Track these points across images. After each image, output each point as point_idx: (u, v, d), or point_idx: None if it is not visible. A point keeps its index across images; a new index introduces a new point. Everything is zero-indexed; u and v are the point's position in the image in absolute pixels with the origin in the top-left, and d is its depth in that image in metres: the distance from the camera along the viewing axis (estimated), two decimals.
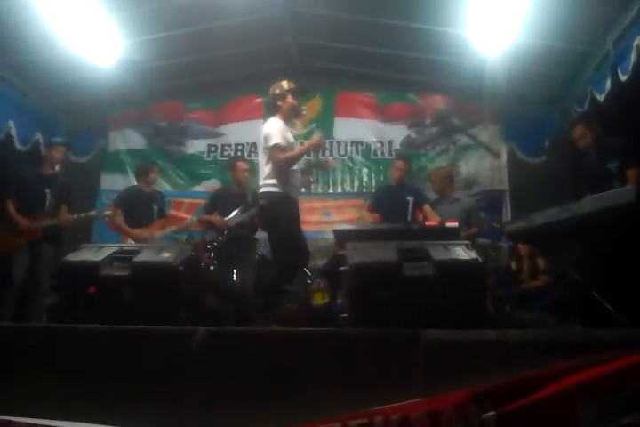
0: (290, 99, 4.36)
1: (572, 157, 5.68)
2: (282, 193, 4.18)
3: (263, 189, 4.28)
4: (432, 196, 6.12)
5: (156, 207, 5.78)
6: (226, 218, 5.48)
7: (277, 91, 4.44)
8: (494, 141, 7.28)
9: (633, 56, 4.67)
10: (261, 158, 4.34)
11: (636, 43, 4.61)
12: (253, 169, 6.30)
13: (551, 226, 3.70)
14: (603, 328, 3.08)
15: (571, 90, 6.46)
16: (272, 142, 4.13)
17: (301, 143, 5.76)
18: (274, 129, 4.22)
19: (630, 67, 4.74)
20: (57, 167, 5.63)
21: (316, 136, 4.36)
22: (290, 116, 4.41)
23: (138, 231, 5.55)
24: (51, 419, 2.26)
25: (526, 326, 4.22)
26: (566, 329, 3.66)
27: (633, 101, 4.99)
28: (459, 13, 5.34)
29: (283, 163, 4.18)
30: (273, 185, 4.20)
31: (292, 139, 4.35)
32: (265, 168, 4.26)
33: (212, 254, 5.31)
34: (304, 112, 7.24)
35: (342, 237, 4.26)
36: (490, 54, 5.83)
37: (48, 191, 5.35)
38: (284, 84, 4.43)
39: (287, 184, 4.22)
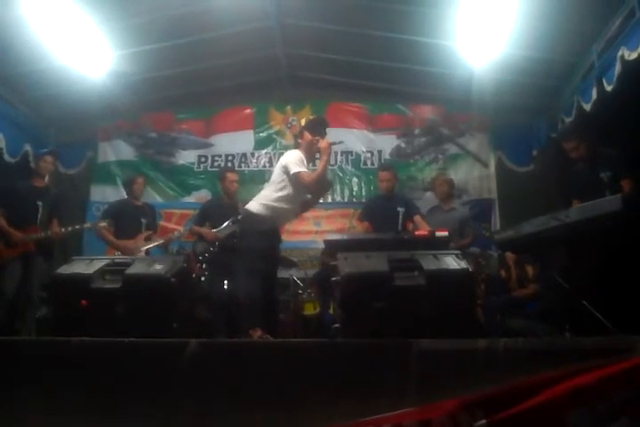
0: (307, 135, 4.40)
1: (560, 167, 5.74)
2: (262, 215, 4.24)
3: (249, 205, 4.35)
4: (430, 202, 6.23)
5: (144, 220, 5.78)
6: (216, 229, 5.48)
7: (296, 130, 4.61)
8: (483, 151, 7.34)
9: (617, 67, 4.74)
10: (273, 180, 4.41)
11: (619, 54, 4.68)
12: (243, 180, 6.34)
13: (539, 234, 3.73)
14: (592, 336, 3.11)
15: (557, 99, 6.53)
16: (292, 171, 4.20)
17: None
18: (292, 159, 4.30)
19: (615, 77, 4.82)
20: (47, 179, 5.61)
21: (323, 143, 4.38)
22: (310, 150, 4.40)
23: (123, 243, 5.56)
24: None
25: (516, 335, 4.24)
26: (556, 337, 3.68)
27: (619, 111, 5.06)
28: (447, 25, 5.40)
29: (313, 184, 4.27)
30: (261, 204, 4.28)
31: (307, 168, 4.37)
32: (270, 188, 4.36)
33: (204, 266, 5.30)
34: (294, 122, 7.38)
35: (333, 247, 4.28)
36: (478, 65, 5.90)
37: (40, 203, 5.34)
38: (302, 121, 4.56)
39: (280, 209, 4.29)
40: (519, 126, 7.12)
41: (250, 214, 4.29)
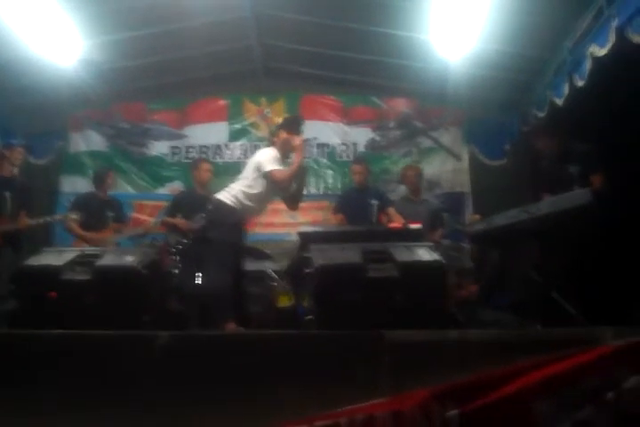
0: (282, 134, 4.46)
1: (531, 161, 5.81)
2: (232, 206, 4.27)
3: (220, 195, 4.38)
4: (400, 193, 6.29)
5: (111, 214, 5.76)
6: (189, 221, 5.44)
7: (273, 128, 4.73)
8: (456, 144, 7.40)
9: (588, 63, 4.81)
10: (245, 175, 4.43)
11: (590, 50, 4.74)
12: (217, 171, 6.29)
13: (510, 227, 3.78)
14: (562, 327, 3.16)
15: (530, 94, 6.60)
16: (266, 169, 4.25)
17: None
18: (265, 157, 4.35)
19: (586, 73, 4.88)
20: (15, 170, 5.49)
21: (297, 141, 4.40)
22: (285, 149, 4.45)
23: (91, 235, 5.54)
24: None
25: (487, 326, 4.29)
26: (527, 328, 3.74)
27: (590, 106, 5.13)
28: (422, 19, 5.41)
29: (285, 182, 4.34)
30: (233, 196, 4.31)
31: (281, 166, 4.39)
32: (242, 183, 4.38)
33: (177, 257, 5.26)
34: (269, 115, 7.36)
35: (307, 239, 4.29)
36: (452, 59, 5.92)
37: (7, 194, 5.23)
38: (278, 120, 4.60)
39: (249, 205, 4.33)
40: (492, 121, 7.19)
41: (219, 204, 4.31)
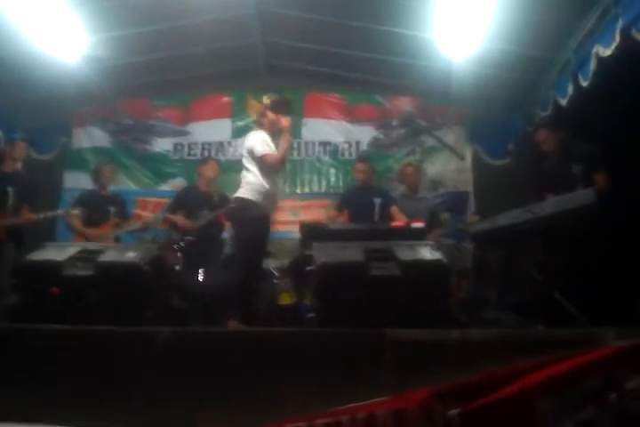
0: (270, 114, 4.45)
1: (534, 160, 5.81)
2: (253, 201, 4.27)
3: (239, 193, 4.37)
4: (399, 191, 6.29)
5: (113, 209, 5.78)
6: (192, 218, 5.46)
7: (260, 108, 4.66)
8: (459, 144, 7.38)
9: (592, 63, 4.79)
10: (246, 166, 4.43)
11: (595, 50, 4.72)
12: (220, 168, 6.30)
13: (514, 227, 3.78)
14: (564, 328, 3.16)
15: (534, 94, 6.59)
16: (259, 153, 4.28)
17: None
18: (256, 141, 4.36)
19: (590, 73, 4.87)
20: (19, 164, 5.50)
21: (285, 122, 4.40)
22: (273, 131, 4.45)
23: (90, 231, 5.56)
24: (7, 422, 2.23)
25: (489, 326, 4.29)
26: (529, 329, 3.74)
27: (594, 106, 5.12)
28: (426, 17, 5.39)
29: (278, 164, 4.40)
30: (250, 190, 4.31)
31: (274, 148, 4.39)
32: (248, 175, 4.37)
33: (180, 254, 5.26)
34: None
35: (309, 233, 4.29)
36: (456, 58, 5.91)
37: (10, 189, 5.23)
38: (265, 99, 4.59)
39: (265, 193, 4.32)
40: (496, 120, 7.16)
41: (242, 201, 4.31)
